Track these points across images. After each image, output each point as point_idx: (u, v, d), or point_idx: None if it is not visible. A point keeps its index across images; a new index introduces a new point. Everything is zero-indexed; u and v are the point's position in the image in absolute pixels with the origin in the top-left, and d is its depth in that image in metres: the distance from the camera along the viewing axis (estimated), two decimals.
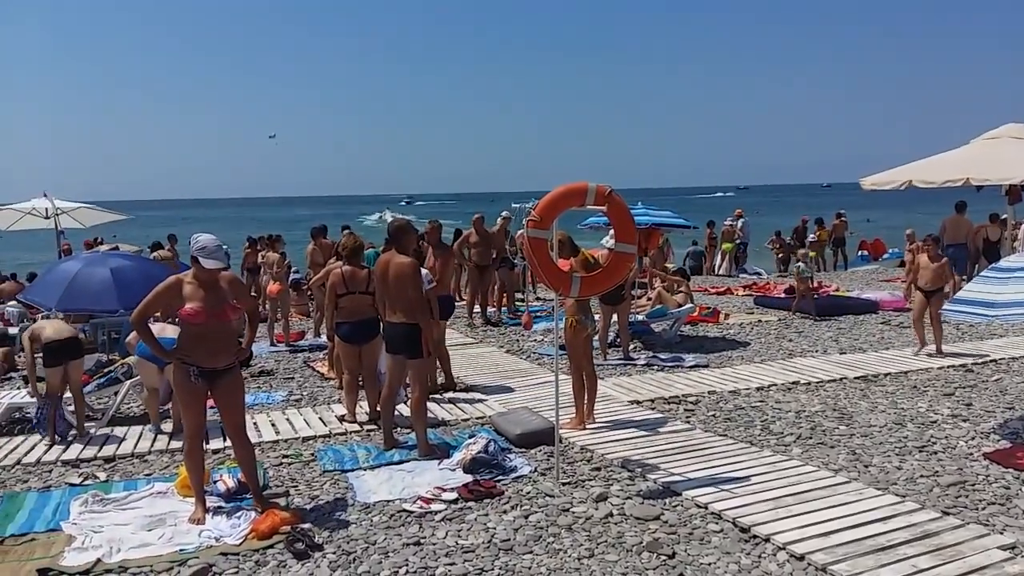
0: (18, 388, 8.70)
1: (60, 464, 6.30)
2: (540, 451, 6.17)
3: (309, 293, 13.84)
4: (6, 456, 6.48)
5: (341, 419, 7.25)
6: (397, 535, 4.68)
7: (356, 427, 7.04)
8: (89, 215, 15.95)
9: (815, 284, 12.89)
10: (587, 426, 6.74)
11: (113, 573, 4.29)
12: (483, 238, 12.86)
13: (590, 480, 5.53)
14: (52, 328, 6.97)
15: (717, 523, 4.74)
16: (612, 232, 8.21)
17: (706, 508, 4.95)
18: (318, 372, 9.61)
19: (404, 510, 5.06)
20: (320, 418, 7.37)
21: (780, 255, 21.73)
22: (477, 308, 13.10)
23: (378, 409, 7.00)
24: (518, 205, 11.01)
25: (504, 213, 13.86)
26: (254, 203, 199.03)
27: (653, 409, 7.40)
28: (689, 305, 11.48)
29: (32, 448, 6.67)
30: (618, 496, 5.19)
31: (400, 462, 6.02)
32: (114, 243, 16.68)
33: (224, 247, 5.12)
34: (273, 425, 7.12)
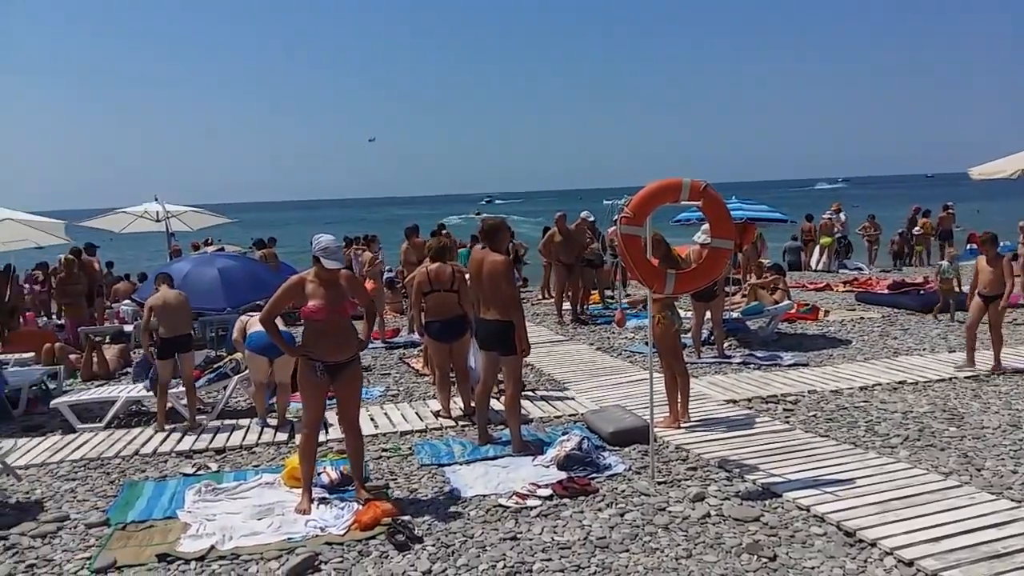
0: (134, 383, 9.21)
1: (174, 455, 6.65)
2: (634, 449, 6.14)
3: (403, 291, 14.13)
4: (125, 447, 6.87)
5: (436, 415, 7.39)
6: (494, 529, 4.75)
7: (451, 422, 7.16)
8: (197, 218, 16.75)
9: (942, 283, 12.16)
10: (681, 425, 6.66)
11: (226, 560, 4.50)
12: (566, 236, 12.86)
13: (686, 480, 5.47)
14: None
15: (820, 526, 4.61)
16: (705, 228, 8.11)
17: (808, 511, 4.82)
18: (413, 368, 9.81)
19: (500, 505, 5.12)
20: (416, 413, 7.53)
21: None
22: (566, 306, 13.10)
23: (472, 405, 7.13)
24: (610, 202, 10.96)
25: (583, 213, 13.84)
26: (348, 204, 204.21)
27: (750, 409, 7.25)
28: (787, 302, 11.18)
29: (149, 439, 7.06)
30: (716, 496, 5.11)
31: (495, 457, 6.09)
32: (219, 244, 17.47)
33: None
34: (372, 419, 7.31)
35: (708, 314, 9.69)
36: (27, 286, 15.27)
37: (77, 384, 9.89)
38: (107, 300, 14.82)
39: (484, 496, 5.30)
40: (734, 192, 15.67)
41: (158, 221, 15.60)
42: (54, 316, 15.12)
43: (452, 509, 5.11)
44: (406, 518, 4.93)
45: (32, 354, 10.81)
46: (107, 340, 11.32)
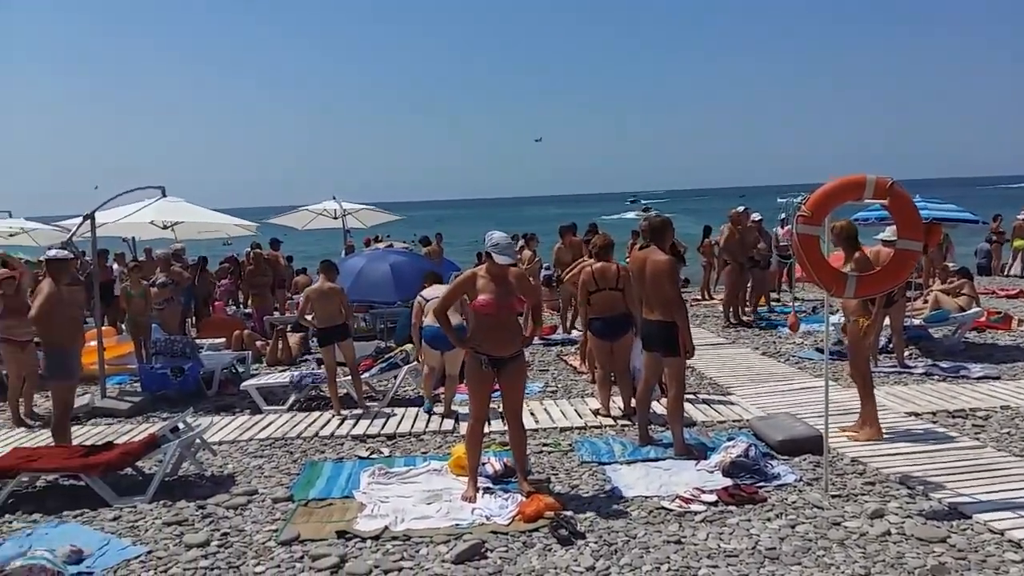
0: (313, 368, 9.83)
1: (350, 439, 7.04)
2: (804, 460, 5.87)
3: (559, 289, 14.22)
4: (306, 428, 7.36)
5: (595, 413, 7.40)
6: (657, 531, 4.69)
7: (610, 421, 7.15)
8: (370, 216, 17.67)
9: None
10: (861, 438, 6.28)
11: (398, 540, 4.71)
12: (742, 235, 12.46)
13: (863, 495, 5.17)
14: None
15: (1016, 552, 4.23)
16: (889, 228, 7.62)
17: (1002, 535, 4.43)
18: (570, 366, 9.88)
19: (663, 507, 5.06)
20: (576, 410, 7.57)
21: None
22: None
23: (632, 405, 7.11)
24: (784, 199, 10.55)
25: (754, 215, 13.38)
26: (499, 203, 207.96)
27: (934, 423, 6.75)
28: (975, 309, 10.32)
29: (327, 423, 7.52)
30: (896, 514, 4.80)
31: (656, 459, 6.02)
32: (388, 241, 18.31)
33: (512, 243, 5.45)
34: (532, 414, 7.42)
35: (887, 320, 9.10)
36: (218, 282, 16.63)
37: (262, 369, 10.68)
38: (288, 292, 15.89)
39: (646, 497, 5.25)
40: (918, 190, 14.62)
41: (335, 218, 16.57)
42: (241, 305, 16.43)
43: (614, 508, 5.10)
44: (568, 513, 4.97)
45: (223, 340, 11.81)
46: (289, 329, 12.14)
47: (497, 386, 5.38)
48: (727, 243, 12.53)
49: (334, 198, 16.46)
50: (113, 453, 5.82)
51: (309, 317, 7.98)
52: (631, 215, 63.25)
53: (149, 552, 4.69)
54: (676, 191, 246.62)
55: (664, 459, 6.02)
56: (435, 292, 7.59)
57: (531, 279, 12.08)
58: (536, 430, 6.92)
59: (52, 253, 7.08)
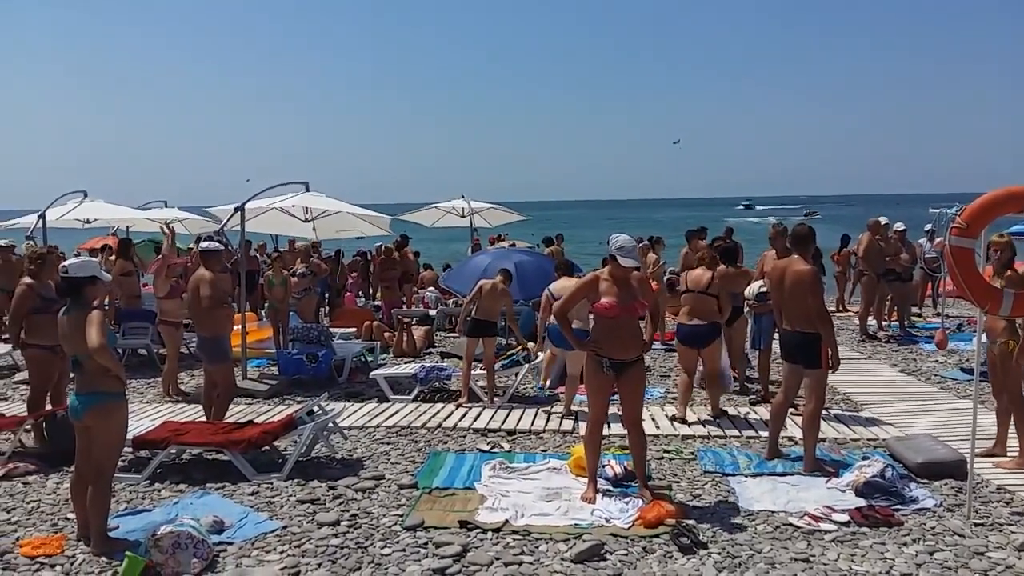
0: (436, 362, 10.08)
1: (472, 431, 7.19)
2: (945, 484, 5.54)
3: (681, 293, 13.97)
4: (429, 419, 7.56)
5: (672, 419, 7.30)
6: (784, 548, 4.55)
7: (702, 430, 7.02)
8: (496, 215, 17.93)
9: None
10: (1010, 465, 5.87)
11: (518, 535, 4.77)
12: (877, 245, 11.86)
13: (1010, 525, 4.83)
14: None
15: None
16: None
17: None
18: None
19: (790, 524, 4.89)
20: (699, 419, 7.43)
21: None
22: (871, 320, 12.15)
23: (719, 408, 7.33)
24: (937, 210, 10.00)
25: (897, 225, 12.70)
26: (632, 205, 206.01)
27: None
28: None
29: (449, 415, 7.71)
30: None
31: (783, 474, 5.83)
32: (511, 240, 18.53)
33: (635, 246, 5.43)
34: (653, 420, 7.33)
35: None
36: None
37: (389, 359, 11.04)
38: (415, 287, 16.35)
39: (772, 512, 5.10)
40: None
41: (463, 217, 16.92)
42: (370, 298, 17.03)
43: (737, 520, 4.97)
44: (691, 522, 4.89)
45: (353, 329, 12.28)
46: (415, 322, 12.50)
47: (616, 390, 5.36)
48: (865, 253, 11.96)
49: (462, 196, 16.81)
50: (254, 431, 6.18)
51: (472, 308, 8.29)
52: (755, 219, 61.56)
53: (284, 527, 4.95)
54: (802, 196, 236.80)
55: (792, 474, 5.82)
56: (564, 285, 7.68)
57: (654, 284, 11.96)
58: (656, 436, 6.84)
59: (206, 244, 7.58)
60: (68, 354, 4.75)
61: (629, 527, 4.82)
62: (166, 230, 10.01)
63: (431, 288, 16.19)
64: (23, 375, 9.24)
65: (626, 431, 5.51)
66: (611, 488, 5.48)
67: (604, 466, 5.67)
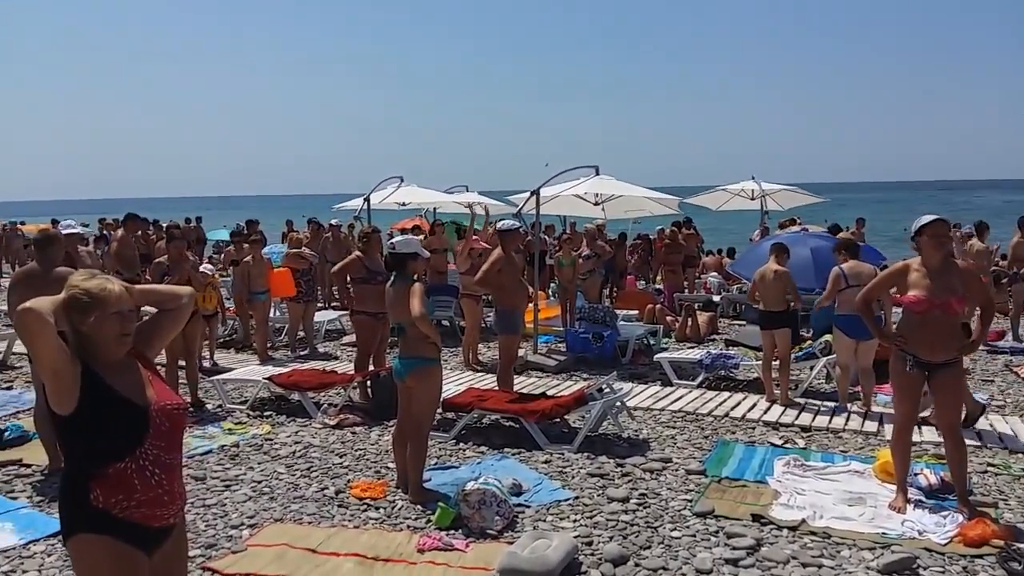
0: (721, 349, 9.83)
1: (762, 424, 6.93)
2: None
3: (1009, 291, 12.27)
4: (716, 407, 7.40)
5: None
6: None
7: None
8: (789, 197, 16.92)
9: None
10: None
11: (816, 536, 4.53)
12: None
13: None
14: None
15: None
16: None
17: None
18: (1022, 378, 8.53)
19: None
20: None
21: None
22: None
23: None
24: None
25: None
26: (950, 186, 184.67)
27: None
28: None
29: (737, 404, 7.49)
30: None
31: None
32: (802, 224, 17.40)
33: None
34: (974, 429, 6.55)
35: None
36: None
37: (671, 343, 10.98)
38: (697, 271, 16.06)
39: None
40: None
41: (752, 199, 16.25)
42: (651, 281, 17.02)
43: None
44: (1022, 546, 4.31)
45: (635, 312, 12.36)
46: (699, 307, 12.29)
47: (927, 391, 4.85)
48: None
49: (753, 178, 16.11)
50: (548, 403, 6.48)
51: (759, 305, 7.66)
52: None
53: (576, 498, 5.15)
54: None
55: None
56: (854, 268, 7.12)
57: (982, 277, 10.63)
58: (979, 447, 6.11)
59: (501, 224, 8.03)
60: (392, 321, 5.30)
61: (946, 543, 4.36)
62: (478, 210, 10.74)
63: (714, 273, 15.83)
64: (349, 338, 10.50)
65: (940, 437, 4.98)
66: (923, 499, 4.99)
67: (917, 475, 5.18)
